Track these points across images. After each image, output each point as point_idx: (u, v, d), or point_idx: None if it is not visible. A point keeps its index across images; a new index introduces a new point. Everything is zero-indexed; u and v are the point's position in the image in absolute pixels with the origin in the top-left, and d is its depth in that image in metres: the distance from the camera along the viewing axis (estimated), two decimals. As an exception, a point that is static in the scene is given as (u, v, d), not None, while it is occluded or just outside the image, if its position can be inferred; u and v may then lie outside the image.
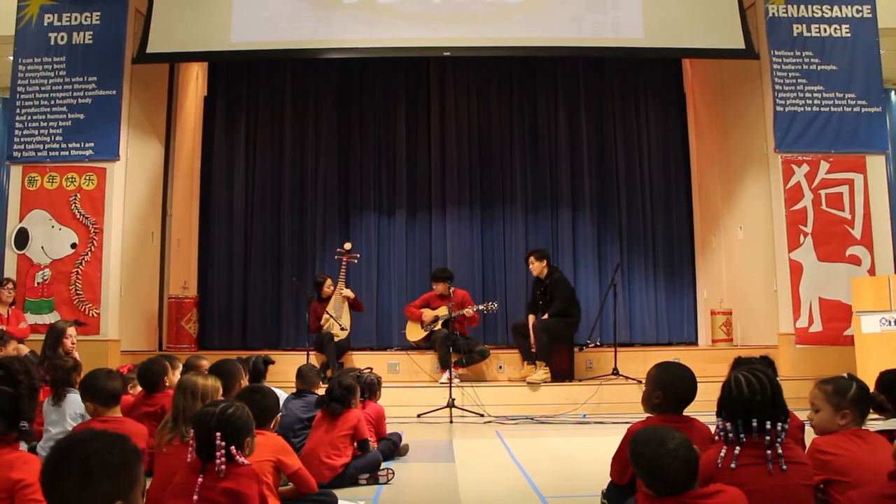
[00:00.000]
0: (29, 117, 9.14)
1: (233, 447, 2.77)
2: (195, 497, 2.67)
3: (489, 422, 7.90)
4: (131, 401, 5.29)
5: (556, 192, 10.99)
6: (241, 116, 11.18)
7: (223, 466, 2.73)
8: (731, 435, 2.71)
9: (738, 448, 2.68)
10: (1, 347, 6.59)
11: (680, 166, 11.12)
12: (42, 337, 6.99)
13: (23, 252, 9.05)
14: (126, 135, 9.21)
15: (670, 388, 3.50)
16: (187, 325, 10.00)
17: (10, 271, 9.04)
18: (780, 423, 2.70)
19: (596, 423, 7.68)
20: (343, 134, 11.15)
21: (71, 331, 6.89)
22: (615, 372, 8.80)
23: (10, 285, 8.29)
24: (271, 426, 3.70)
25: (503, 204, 10.97)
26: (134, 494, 1.95)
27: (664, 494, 2.38)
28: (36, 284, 9.00)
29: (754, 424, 2.70)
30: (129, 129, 9.27)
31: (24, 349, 7.64)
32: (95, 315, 8.93)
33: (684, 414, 3.48)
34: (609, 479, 3.91)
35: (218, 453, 2.74)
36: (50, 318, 8.78)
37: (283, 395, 6.07)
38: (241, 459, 2.79)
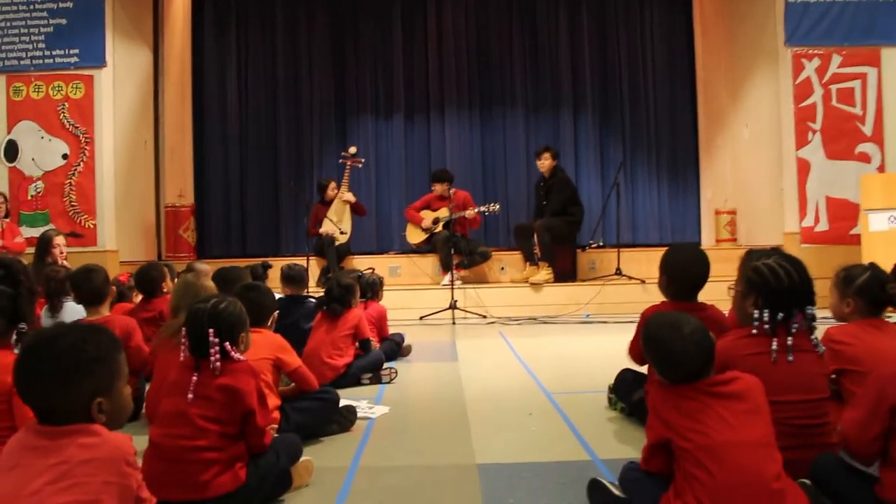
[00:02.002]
0: (8, 24, 8.78)
1: (227, 343, 2.66)
2: (190, 395, 2.56)
3: (492, 323, 7.86)
4: (129, 307, 5.21)
5: (558, 93, 10.68)
6: (232, 18, 10.78)
7: (218, 363, 2.62)
8: (766, 325, 2.55)
9: (775, 341, 2.53)
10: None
11: (684, 64, 10.75)
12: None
13: (13, 165, 8.84)
14: (112, 40, 8.87)
15: (677, 270, 3.37)
16: (185, 234, 9.87)
17: (1, 185, 8.85)
18: (808, 311, 2.57)
19: (599, 322, 7.62)
20: (338, 36, 10.78)
21: (59, 240, 6.77)
22: (618, 272, 8.71)
23: (2, 199, 8.11)
24: (268, 324, 3.59)
25: (503, 106, 10.69)
26: (116, 387, 1.83)
27: (678, 382, 2.26)
28: (29, 197, 8.83)
29: (779, 315, 2.56)
30: (115, 33, 8.93)
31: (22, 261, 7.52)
32: (91, 226, 8.78)
33: (699, 301, 3.36)
34: (615, 375, 3.84)
35: (212, 350, 2.62)
36: (48, 229, 8.62)
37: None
38: (237, 355, 2.68)
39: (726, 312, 3.26)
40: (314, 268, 8.96)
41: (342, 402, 3.77)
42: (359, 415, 3.84)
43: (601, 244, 9.31)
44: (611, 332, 6.75)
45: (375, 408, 4.08)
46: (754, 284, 2.62)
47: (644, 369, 3.42)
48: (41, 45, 8.77)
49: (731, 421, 2.14)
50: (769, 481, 2.07)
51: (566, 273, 8.73)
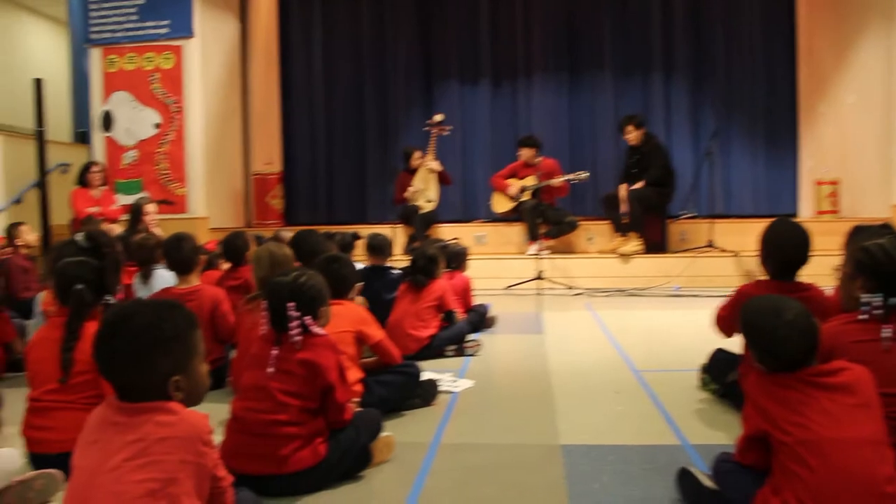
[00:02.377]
0: (103, -1, 9.04)
1: (307, 317, 2.63)
2: (270, 369, 2.56)
3: (579, 294, 7.72)
4: (217, 275, 5.29)
5: (648, 57, 10.30)
6: (317, -15, 10.79)
7: (298, 337, 2.60)
8: (878, 310, 2.35)
9: (888, 328, 2.32)
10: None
11: (785, 26, 10.19)
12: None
13: (109, 135, 9.11)
14: (199, 10, 9.02)
15: (775, 249, 3.18)
16: (273, 201, 10.01)
17: (98, 154, 9.14)
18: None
19: (690, 296, 7.39)
20: (423, 1, 10.67)
21: (149, 207, 6.94)
22: (710, 244, 8.41)
23: (99, 168, 8.37)
24: (350, 296, 3.57)
25: (592, 70, 10.38)
26: (193, 365, 1.82)
27: (779, 370, 2.10)
28: (124, 166, 9.09)
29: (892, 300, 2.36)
30: (203, 4, 9.08)
31: (117, 229, 7.78)
32: (182, 193, 8.99)
33: (800, 281, 3.17)
34: (710, 354, 3.69)
35: (292, 324, 2.60)
36: (141, 196, 8.88)
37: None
38: (317, 329, 2.66)
39: (828, 291, 3.07)
40: (400, 236, 8.96)
41: (426, 375, 3.74)
42: (442, 388, 3.80)
43: (693, 214, 9.01)
44: (703, 307, 6.43)
45: (459, 381, 4.03)
46: (864, 266, 2.43)
47: (733, 343, 3.25)
48: (133, 18, 8.98)
49: (837, 415, 1.99)
50: (881, 484, 1.92)
51: (656, 244, 8.49)
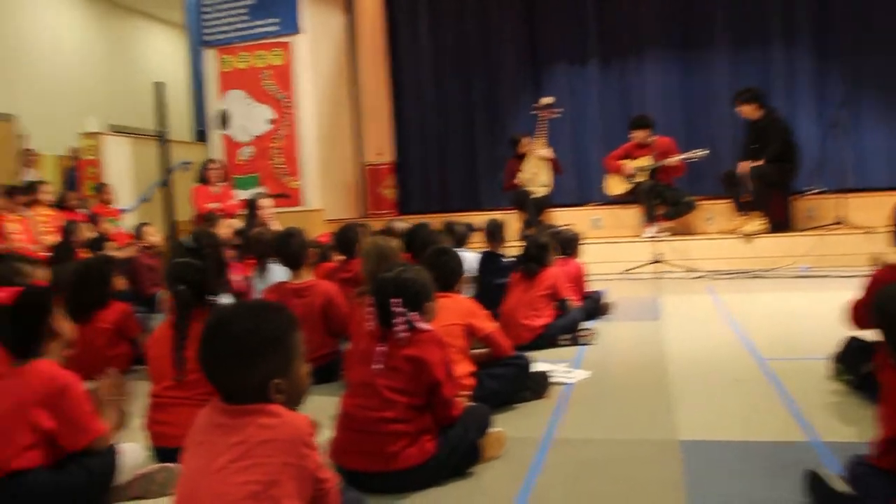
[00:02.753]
0: (216, 0, 9.31)
1: (412, 313, 2.61)
2: (377, 366, 2.55)
3: (699, 277, 7.46)
4: (331, 267, 5.38)
5: (767, 25, 9.73)
6: (421, -25, 10.81)
7: (404, 334, 2.58)
8: None
9: None
10: (212, 227, 6.92)
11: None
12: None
13: (226, 132, 9.41)
14: (307, 6, 9.20)
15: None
16: (385, 191, 10.13)
17: (216, 151, 9.47)
18: None
19: (819, 276, 7.01)
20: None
21: (264, 202, 7.13)
22: (839, 221, 7.95)
23: (217, 165, 8.66)
24: (459, 288, 3.53)
25: (706, 44, 9.91)
26: (293, 367, 1.82)
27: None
28: (240, 161, 9.38)
29: None
30: (310, 0, 9.21)
31: (236, 224, 8.04)
32: (297, 186, 9.20)
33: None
34: (843, 342, 3.46)
35: (397, 320, 2.58)
36: (257, 192, 9.16)
37: (474, 261, 5.98)
38: (423, 325, 2.63)
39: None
40: (515, 222, 8.88)
41: (538, 366, 3.68)
42: (556, 380, 3.73)
43: (821, 189, 8.55)
44: (833, 288, 6.17)
45: (573, 372, 3.94)
46: None
47: (871, 335, 3.04)
48: (244, 18, 9.25)
49: None
50: None
51: (780, 222, 8.09)
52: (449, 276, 3.44)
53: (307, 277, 4.30)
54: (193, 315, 2.84)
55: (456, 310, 3.34)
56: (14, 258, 3.51)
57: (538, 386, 3.54)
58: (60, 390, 2.38)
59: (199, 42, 10.04)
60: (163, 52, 15.81)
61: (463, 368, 3.21)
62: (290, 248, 4.30)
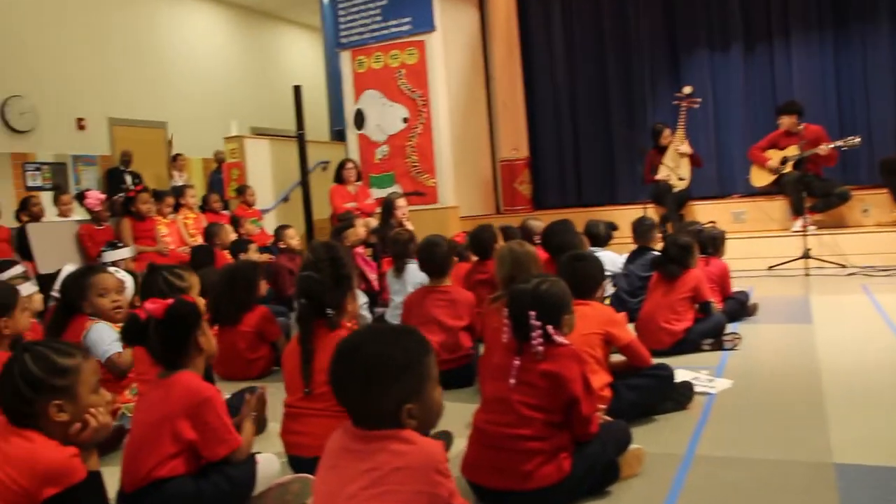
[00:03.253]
0: (350, 3, 9.57)
1: (549, 326, 2.56)
2: (512, 381, 2.52)
3: (853, 274, 7.05)
4: (466, 268, 5.40)
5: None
6: (553, -34, 10.67)
7: (540, 348, 2.53)
8: None
9: None
10: (352, 227, 7.08)
11: None
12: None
13: (362, 132, 9.62)
14: (440, 4, 9.26)
15: None
16: (521, 187, 10.09)
17: (353, 151, 9.69)
18: None
19: None
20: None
21: (400, 202, 7.21)
22: None
23: (353, 165, 8.86)
24: (597, 294, 3.46)
25: (862, 21, 9.29)
26: (426, 392, 1.81)
27: None
28: (376, 161, 9.56)
29: None
30: (442, -1, 9.31)
31: (373, 222, 8.22)
32: (433, 184, 9.31)
33: None
34: None
35: (533, 333, 2.54)
36: (393, 190, 9.31)
37: (618, 259, 5.88)
38: (560, 339, 2.58)
39: None
40: (652, 216, 8.64)
41: (680, 374, 3.56)
42: (697, 389, 3.59)
43: None
44: None
45: (716, 381, 3.79)
46: None
47: None
48: (378, 18, 9.42)
49: None
50: None
51: (947, 213, 7.55)
52: (587, 282, 3.37)
53: (447, 283, 4.33)
54: (315, 329, 2.90)
55: (594, 318, 3.27)
56: (165, 269, 3.67)
57: (682, 397, 3.42)
58: (202, 402, 2.47)
59: (334, 43, 10.30)
60: (301, 55, 16.34)
61: (600, 380, 3.15)
62: (434, 257, 4.36)
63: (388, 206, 7.25)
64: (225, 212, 9.34)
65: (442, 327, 4.09)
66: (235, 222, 8.71)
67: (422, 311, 4.19)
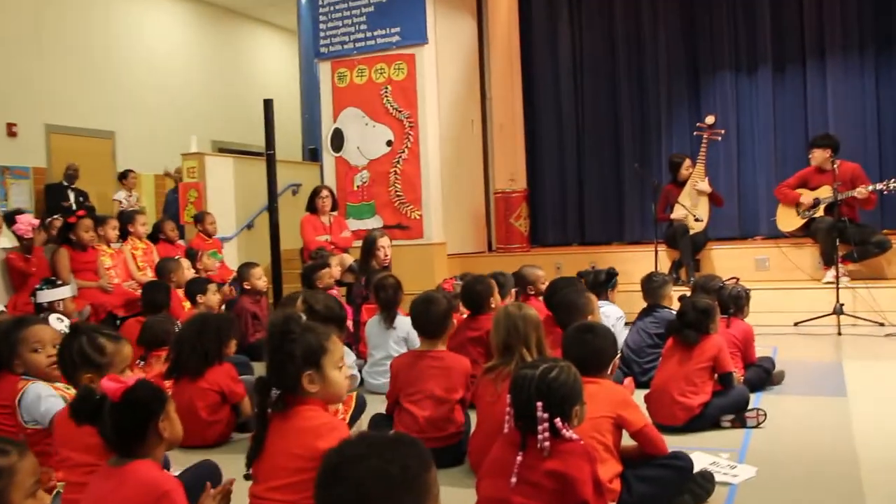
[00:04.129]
0: (332, 8, 9.65)
1: (557, 419, 2.58)
2: (514, 479, 2.53)
3: (891, 335, 7.11)
4: (457, 321, 5.40)
5: None
6: (562, -28, 10.83)
7: (547, 443, 2.55)
8: None
9: None
10: (326, 267, 7.09)
11: None
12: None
13: (339, 154, 9.65)
14: (433, 13, 9.36)
15: None
16: (517, 223, 10.13)
17: (329, 176, 9.71)
18: None
19: None
20: (687, -23, 10.38)
21: (383, 241, 7.23)
22: None
23: (326, 192, 8.86)
24: (608, 372, 3.47)
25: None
26: None
27: None
28: (355, 188, 9.58)
29: None
30: (436, 5, 9.40)
31: (349, 259, 8.24)
32: (418, 217, 9.34)
33: None
34: None
35: (540, 427, 2.55)
36: (372, 222, 9.37)
37: (616, 311, 5.95)
38: (569, 434, 2.59)
39: None
40: (664, 259, 8.73)
41: (698, 457, 3.57)
42: (718, 479, 3.61)
43: None
44: None
45: (738, 468, 3.81)
46: None
47: None
48: (363, 27, 9.48)
49: None
50: None
51: None
52: (596, 358, 3.39)
53: (441, 347, 4.31)
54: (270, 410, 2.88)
55: (605, 399, 3.28)
56: (88, 333, 3.54)
57: (701, 489, 3.43)
58: (160, 498, 2.45)
59: (312, 52, 10.35)
60: (273, 62, 16.42)
61: (610, 470, 3.16)
62: (431, 316, 4.30)
63: (369, 243, 7.26)
64: (180, 242, 9.28)
65: (434, 400, 4.06)
66: (192, 255, 8.66)
67: (411, 379, 4.16)
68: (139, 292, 7.66)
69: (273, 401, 2.85)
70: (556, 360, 2.80)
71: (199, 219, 9.48)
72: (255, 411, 2.90)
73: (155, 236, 8.94)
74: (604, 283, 6.14)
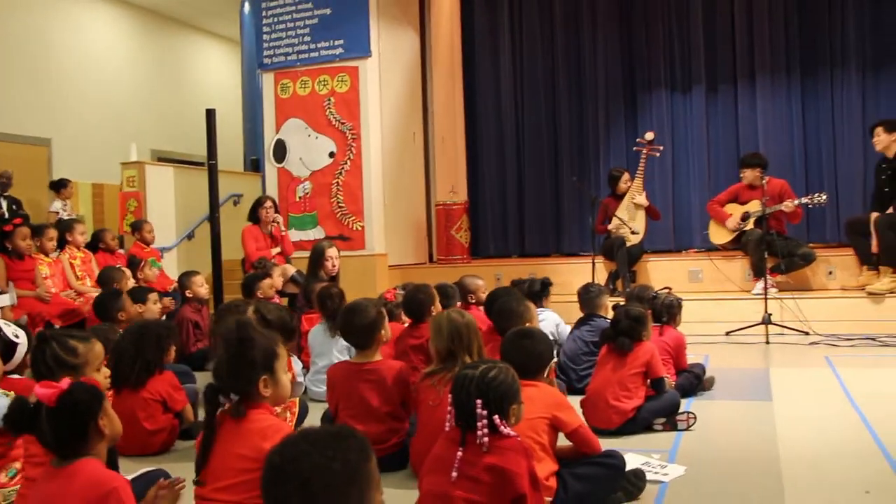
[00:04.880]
0: (276, 19, 9.71)
1: (496, 416, 2.71)
2: (454, 474, 2.65)
3: (816, 343, 7.41)
4: (399, 329, 5.50)
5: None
6: (504, -10, 11.04)
7: (486, 439, 2.68)
8: None
9: None
10: (268, 277, 7.14)
11: None
12: (308, 254, 7.47)
13: (282, 165, 9.71)
14: (377, 26, 9.50)
15: None
16: (458, 234, 10.28)
17: (271, 186, 9.75)
18: None
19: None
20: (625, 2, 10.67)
21: (331, 252, 7.30)
22: None
23: (269, 203, 8.89)
24: (545, 375, 3.62)
25: (831, 67, 9.91)
26: (367, 499, 1.88)
27: None
28: (297, 199, 9.65)
29: None
30: (380, 19, 9.54)
31: (291, 269, 8.30)
32: (359, 228, 9.44)
33: None
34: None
35: (479, 423, 2.68)
36: (314, 233, 9.44)
37: (554, 318, 6.13)
38: (507, 430, 2.72)
39: None
40: (601, 271, 8.95)
41: (630, 457, 3.72)
42: (650, 477, 3.77)
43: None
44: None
45: (668, 467, 3.97)
46: None
47: None
48: (307, 39, 9.57)
49: None
50: None
51: (917, 280, 7.98)
52: (534, 362, 3.52)
53: (375, 357, 4.28)
54: (222, 416, 2.94)
55: (541, 401, 3.42)
56: (57, 338, 3.60)
57: (633, 487, 3.59)
58: (108, 494, 2.49)
59: (255, 62, 10.41)
60: (215, 71, 16.37)
61: (546, 468, 3.28)
62: (353, 327, 4.26)
63: (318, 254, 7.29)
64: (120, 251, 9.23)
65: (372, 414, 4.05)
66: (134, 264, 8.62)
67: (348, 392, 4.16)
68: (78, 301, 7.68)
69: (228, 406, 2.92)
70: (495, 361, 2.93)
71: (137, 227, 9.42)
72: (205, 417, 2.95)
73: (94, 245, 8.87)
74: (539, 291, 6.33)
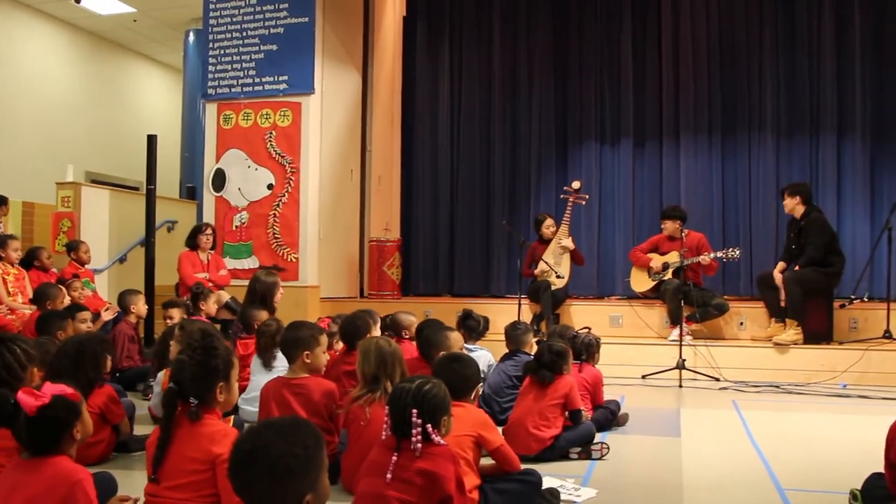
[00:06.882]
0: (222, 51, 9.94)
1: (429, 425, 3.02)
2: (389, 476, 2.95)
3: (725, 388, 7.84)
4: (332, 357, 5.73)
5: (818, 113, 10.28)
6: (445, 37, 11.49)
7: (419, 445, 2.99)
8: None
9: None
10: (203, 302, 7.34)
11: None
12: (242, 282, 7.64)
13: (220, 194, 9.91)
14: (321, 65, 9.79)
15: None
16: (389, 271, 10.56)
17: (208, 215, 9.93)
18: None
19: (859, 396, 7.40)
20: (560, 52, 11.19)
21: (268, 278, 7.50)
22: (887, 335, 8.35)
23: (209, 230, 9.11)
24: (471, 397, 3.94)
25: (749, 130, 10.51)
26: (319, 481, 2.21)
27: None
28: (234, 228, 9.85)
29: None
30: (324, 58, 9.84)
31: (225, 296, 8.49)
32: (294, 260, 9.66)
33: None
34: (866, 478, 3.83)
35: (414, 431, 2.99)
36: (248, 262, 9.63)
37: (487, 356, 6.44)
38: (438, 439, 3.04)
39: None
40: (526, 313, 9.29)
41: (547, 480, 4.05)
42: (563, 497, 4.10)
43: (866, 298, 8.97)
44: (873, 412, 6.58)
45: (581, 490, 4.30)
46: None
47: None
48: (251, 72, 9.82)
49: None
50: None
51: (819, 333, 8.44)
52: (462, 383, 3.84)
53: (301, 374, 4.54)
54: (179, 418, 3.19)
55: (467, 420, 3.73)
56: (14, 336, 3.79)
57: (548, 503, 3.92)
58: (74, 485, 2.74)
59: (196, 91, 10.62)
60: (155, 97, 16.47)
61: (470, 482, 3.58)
62: (286, 339, 4.61)
63: (270, 286, 7.39)
64: (54, 270, 9.30)
65: None
66: (62, 283, 8.67)
67: (278, 402, 4.42)
68: (8, 318, 7.76)
69: (187, 411, 3.18)
70: (429, 377, 3.25)
71: (73, 247, 9.46)
72: (163, 419, 3.19)
73: (28, 262, 8.93)
74: (482, 330, 6.73)
